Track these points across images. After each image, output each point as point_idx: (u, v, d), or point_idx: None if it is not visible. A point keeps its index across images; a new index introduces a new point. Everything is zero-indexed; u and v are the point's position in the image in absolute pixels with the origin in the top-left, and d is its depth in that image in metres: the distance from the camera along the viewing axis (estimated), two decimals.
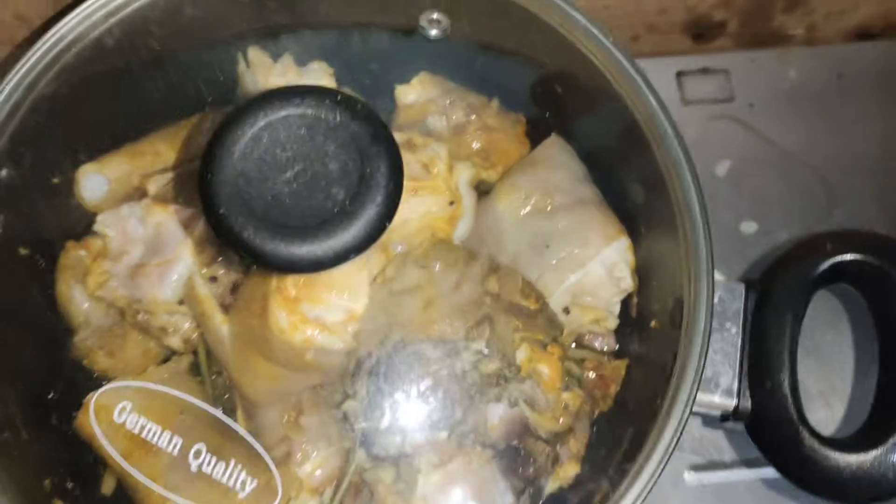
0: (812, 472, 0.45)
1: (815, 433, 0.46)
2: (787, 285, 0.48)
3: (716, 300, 0.49)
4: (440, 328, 0.52)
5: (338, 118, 0.40)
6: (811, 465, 0.45)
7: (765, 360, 0.47)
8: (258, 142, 0.40)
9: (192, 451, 0.49)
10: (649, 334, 0.58)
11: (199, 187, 0.40)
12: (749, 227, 0.78)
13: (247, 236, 0.40)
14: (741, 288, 0.50)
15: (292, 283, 0.54)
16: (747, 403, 0.47)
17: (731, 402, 0.48)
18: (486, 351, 0.52)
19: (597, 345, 0.63)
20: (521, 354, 0.53)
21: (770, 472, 0.70)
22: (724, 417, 0.50)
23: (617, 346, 0.62)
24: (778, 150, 0.81)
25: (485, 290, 0.53)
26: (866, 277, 0.48)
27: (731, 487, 0.70)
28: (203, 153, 0.41)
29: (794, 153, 0.80)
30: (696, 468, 0.70)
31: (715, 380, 0.48)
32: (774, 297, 0.48)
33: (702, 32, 0.88)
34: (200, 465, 0.49)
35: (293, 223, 0.40)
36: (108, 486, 0.61)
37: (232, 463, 0.49)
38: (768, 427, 0.46)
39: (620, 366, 0.61)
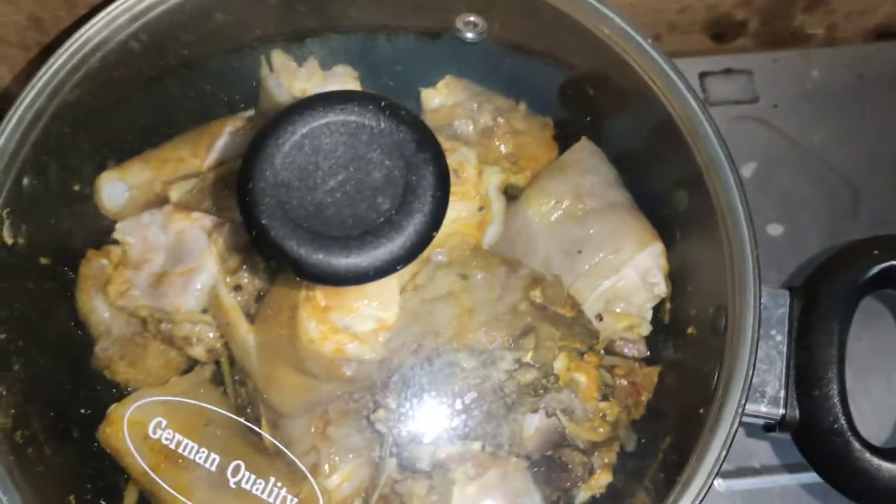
0: (863, 482, 0.44)
1: (865, 443, 0.45)
2: (833, 292, 0.47)
3: (761, 309, 0.48)
4: (476, 337, 0.51)
5: (382, 125, 0.39)
6: (862, 476, 0.44)
7: (812, 368, 0.46)
8: (299, 150, 0.39)
9: (231, 468, 0.48)
10: (685, 341, 0.57)
11: (238, 197, 0.39)
12: (776, 229, 0.77)
13: (289, 247, 0.38)
14: (786, 295, 0.49)
15: (322, 293, 0.53)
16: (795, 413, 0.46)
17: (777, 412, 0.47)
18: (523, 361, 0.51)
19: (627, 351, 0.62)
20: (559, 364, 0.52)
21: (801, 478, 0.69)
22: (769, 427, 0.49)
23: (648, 353, 0.61)
24: (802, 151, 0.80)
25: (524, 299, 0.52)
26: None
27: (761, 494, 0.69)
28: (242, 161, 0.39)
29: (818, 154, 0.80)
30: (726, 475, 0.69)
31: (761, 389, 0.47)
32: (821, 304, 0.47)
33: (723, 32, 0.87)
34: (239, 482, 0.48)
35: (336, 234, 0.39)
36: (130, 501, 0.60)
37: (272, 480, 0.48)
38: (817, 437, 0.45)
39: (653, 373, 0.60)
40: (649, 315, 0.60)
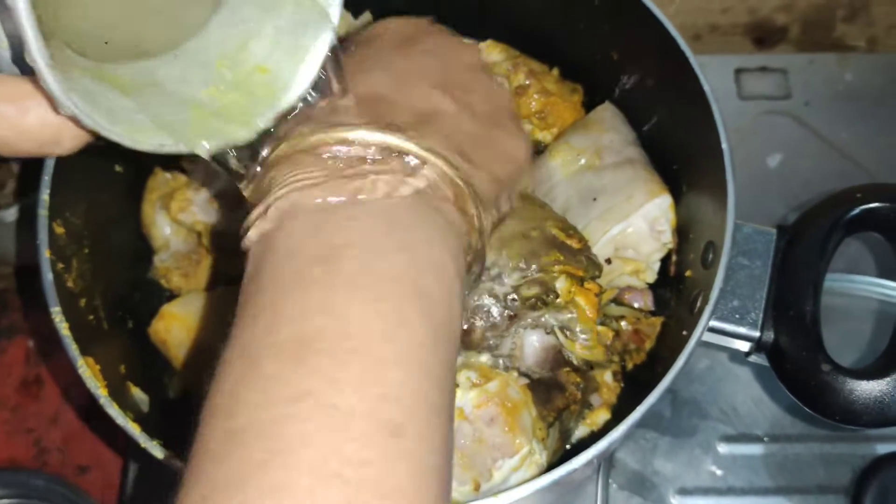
0: (827, 397, 0.47)
1: (831, 360, 0.48)
2: (817, 228, 0.51)
3: (748, 243, 0.53)
4: (488, 256, 0.56)
5: None
6: (827, 391, 0.47)
7: (790, 293, 0.49)
8: None
9: None
10: (684, 285, 0.61)
11: None
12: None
13: None
14: (773, 232, 0.53)
15: None
16: (770, 334, 0.50)
17: (755, 333, 0.50)
18: (528, 277, 0.56)
19: (635, 304, 0.66)
20: (561, 285, 0.56)
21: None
22: (749, 354, 0.52)
23: (654, 307, 0.65)
24: (828, 147, 0.83)
25: (536, 227, 0.57)
26: (892, 224, 0.50)
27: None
28: None
29: (844, 151, 0.83)
30: (730, 439, 0.72)
31: (742, 312, 0.51)
32: (804, 239, 0.51)
33: (763, 37, 0.91)
34: None
35: None
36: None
37: None
38: (789, 354, 0.49)
39: (656, 322, 0.64)
40: (656, 266, 0.65)
